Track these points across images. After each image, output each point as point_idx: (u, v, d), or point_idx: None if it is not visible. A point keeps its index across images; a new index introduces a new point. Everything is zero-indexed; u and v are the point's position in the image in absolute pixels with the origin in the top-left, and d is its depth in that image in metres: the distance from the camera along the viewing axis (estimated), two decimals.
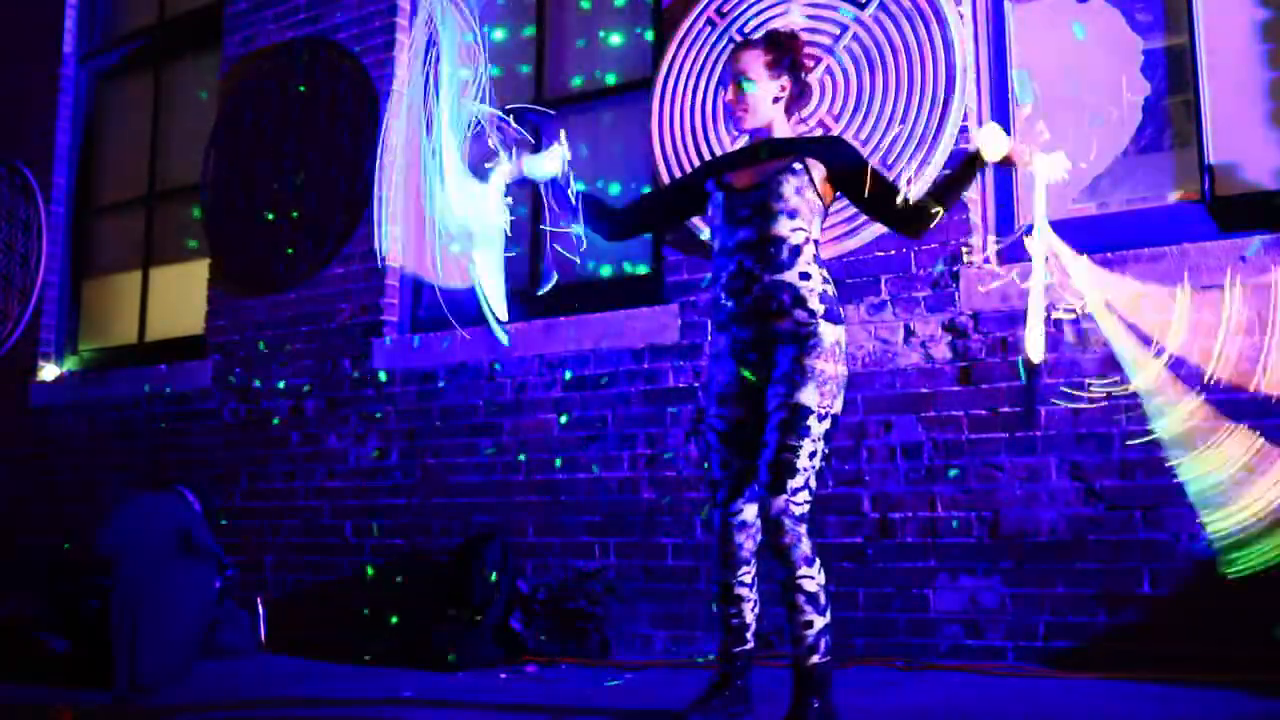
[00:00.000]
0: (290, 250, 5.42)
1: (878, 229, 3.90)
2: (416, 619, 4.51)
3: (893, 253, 3.91)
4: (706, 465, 2.89)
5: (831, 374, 2.68)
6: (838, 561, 3.83)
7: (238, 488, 5.36)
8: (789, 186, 2.76)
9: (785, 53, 2.91)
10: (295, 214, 5.42)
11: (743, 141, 3.10)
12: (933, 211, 2.80)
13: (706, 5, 4.38)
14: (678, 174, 4.31)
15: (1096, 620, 3.44)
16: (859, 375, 3.91)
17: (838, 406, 2.70)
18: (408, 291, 5.19)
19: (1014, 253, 3.81)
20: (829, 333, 2.70)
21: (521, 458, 4.60)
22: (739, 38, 4.28)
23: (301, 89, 5.50)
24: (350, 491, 5.05)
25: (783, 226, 2.74)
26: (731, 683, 2.84)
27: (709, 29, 4.37)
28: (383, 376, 5.03)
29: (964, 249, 3.80)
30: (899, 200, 2.79)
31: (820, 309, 2.71)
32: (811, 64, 4.09)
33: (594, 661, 4.11)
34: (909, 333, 3.86)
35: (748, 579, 2.83)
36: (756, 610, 2.87)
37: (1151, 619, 3.36)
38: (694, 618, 4.08)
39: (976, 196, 3.86)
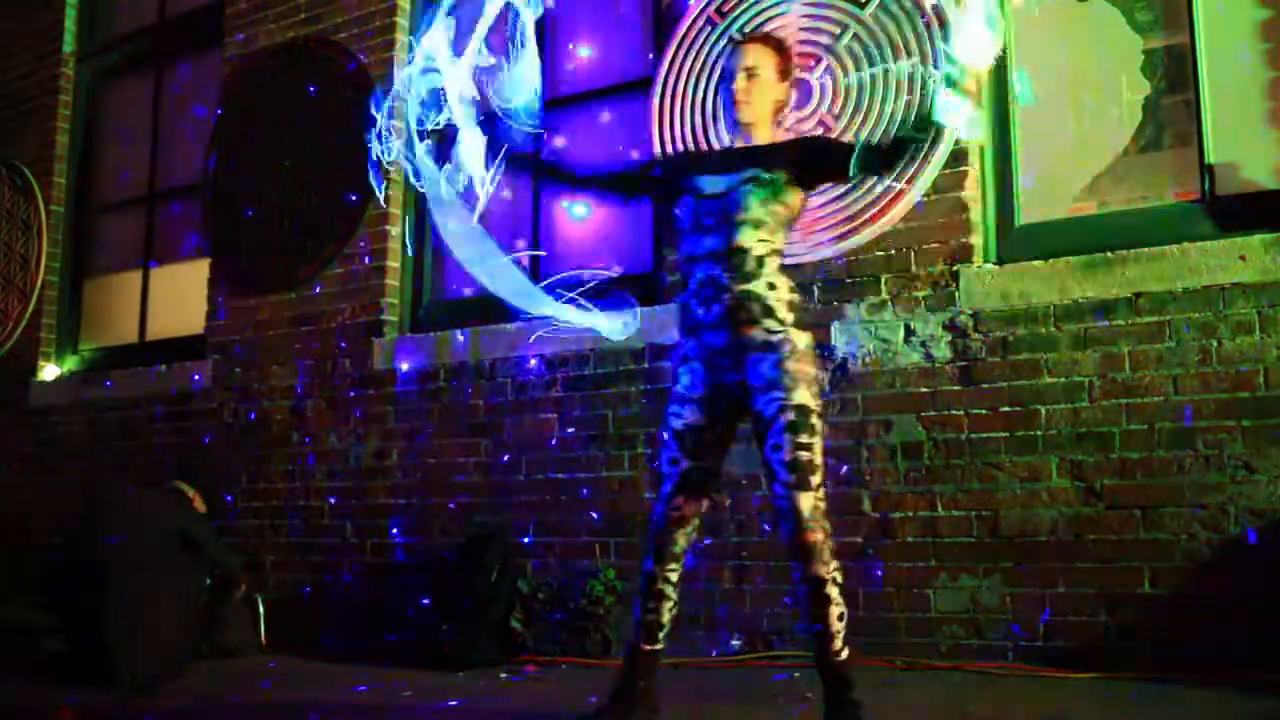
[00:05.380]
0: (290, 250, 5.41)
1: (878, 229, 3.90)
2: (417, 619, 4.51)
3: (893, 252, 3.91)
4: (656, 461, 2.89)
5: (813, 376, 2.73)
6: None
7: (238, 488, 5.36)
8: (754, 198, 2.78)
9: (791, 64, 3.01)
10: (295, 214, 5.42)
11: (728, 141, 3.09)
12: (909, 142, 2.81)
13: (706, 5, 4.38)
14: None
15: (1096, 620, 3.44)
16: (859, 375, 3.91)
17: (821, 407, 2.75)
18: (408, 291, 5.19)
19: (1015, 252, 3.81)
20: (800, 339, 2.74)
21: (521, 458, 4.60)
22: (739, 37, 4.28)
23: (301, 89, 5.50)
24: (350, 491, 5.05)
25: (747, 237, 2.77)
26: (636, 684, 2.87)
27: (709, 29, 4.37)
28: (383, 376, 5.03)
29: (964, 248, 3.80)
30: (865, 147, 2.80)
31: (789, 317, 2.74)
32: (812, 63, 4.09)
33: (594, 661, 4.10)
34: (909, 332, 3.85)
35: (674, 577, 2.86)
36: (674, 612, 2.88)
37: (1151, 619, 3.36)
38: (694, 617, 4.07)
39: (976, 195, 3.85)
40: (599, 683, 3.64)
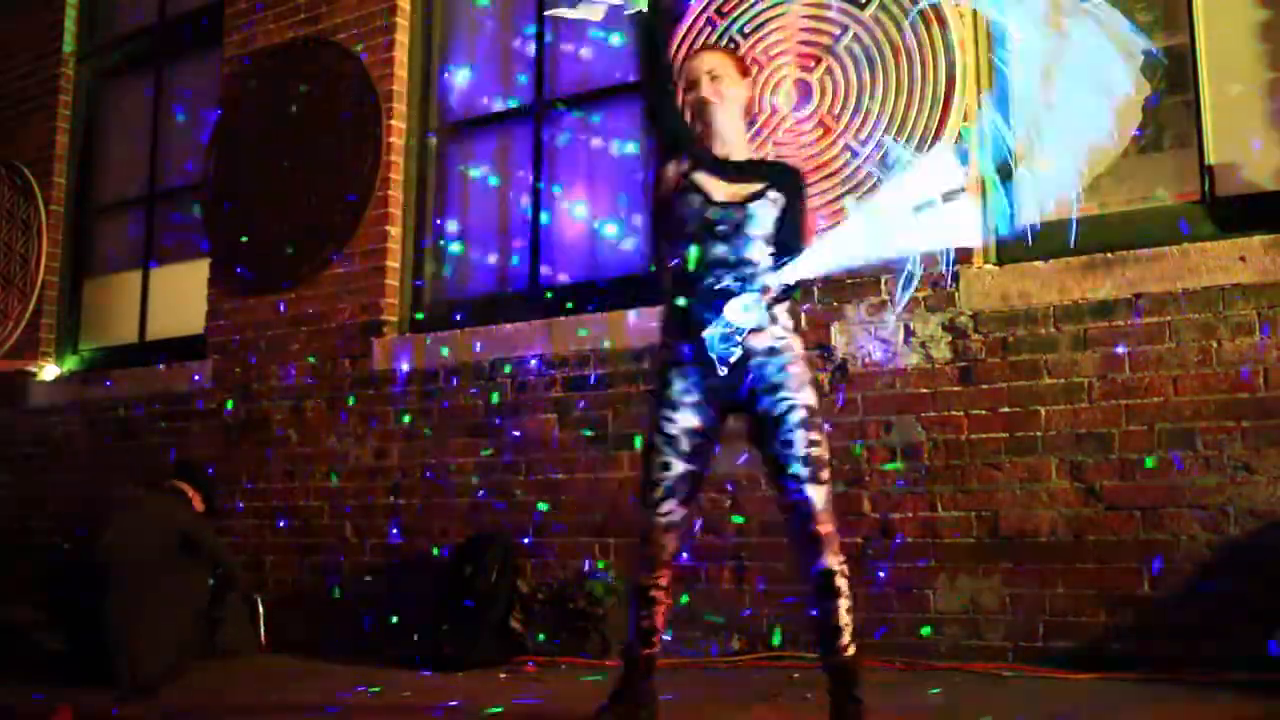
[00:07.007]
0: (290, 250, 5.41)
1: None
2: (416, 619, 4.51)
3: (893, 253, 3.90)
4: (645, 467, 2.87)
5: (811, 378, 2.82)
6: None
7: (238, 488, 5.35)
8: (767, 214, 2.85)
9: (746, 65, 3.11)
10: (295, 214, 5.42)
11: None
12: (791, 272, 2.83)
13: (707, 5, 4.38)
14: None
15: (1096, 620, 3.44)
16: (859, 375, 3.91)
17: None
18: (408, 291, 5.19)
19: (1015, 252, 3.81)
20: (799, 345, 2.84)
21: (521, 458, 4.60)
22: (739, 38, 4.28)
23: (301, 89, 5.49)
24: (350, 491, 5.05)
25: (757, 251, 2.83)
26: (637, 684, 2.90)
27: (709, 29, 4.37)
28: (383, 376, 5.03)
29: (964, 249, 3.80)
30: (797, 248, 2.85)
31: (789, 324, 2.84)
32: (812, 63, 4.09)
33: (594, 661, 4.11)
34: (909, 333, 3.85)
35: (664, 583, 2.88)
36: (668, 615, 2.93)
37: (1151, 619, 3.36)
38: (694, 617, 4.07)
39: (975, 195, 3.85)
40: (599, 683, 3.65)
